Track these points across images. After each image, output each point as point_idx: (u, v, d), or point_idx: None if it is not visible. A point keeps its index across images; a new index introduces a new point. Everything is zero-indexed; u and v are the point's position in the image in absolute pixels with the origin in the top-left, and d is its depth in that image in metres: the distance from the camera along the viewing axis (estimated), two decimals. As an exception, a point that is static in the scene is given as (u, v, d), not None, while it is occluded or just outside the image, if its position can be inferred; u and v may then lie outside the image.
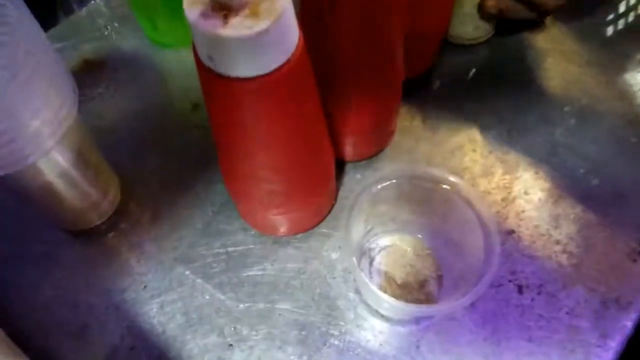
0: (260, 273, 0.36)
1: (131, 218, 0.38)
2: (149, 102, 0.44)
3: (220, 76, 0.22)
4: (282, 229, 0.36)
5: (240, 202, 0.34)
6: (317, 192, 0.34)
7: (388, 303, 0.29)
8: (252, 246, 0.37)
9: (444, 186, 0.31)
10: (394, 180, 0.32)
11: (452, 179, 0.31)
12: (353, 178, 0.40)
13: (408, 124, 0.42)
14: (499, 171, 0.40)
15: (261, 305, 0.35)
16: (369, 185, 0.31)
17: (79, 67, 0.46)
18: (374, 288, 0.29)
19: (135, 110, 0.43)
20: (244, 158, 0.28)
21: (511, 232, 0.37)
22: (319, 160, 0.31)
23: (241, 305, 0.35)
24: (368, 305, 0.35)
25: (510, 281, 0.35)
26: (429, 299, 0.35)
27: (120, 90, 0.44)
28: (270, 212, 0.33)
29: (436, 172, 0.31)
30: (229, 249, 0.37)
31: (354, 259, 0.30)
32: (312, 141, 0.29)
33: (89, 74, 0.45)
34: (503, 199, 0.38)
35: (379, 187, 0.31)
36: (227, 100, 0.24)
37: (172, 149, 0.41)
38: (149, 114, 0.43)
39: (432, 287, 0.35)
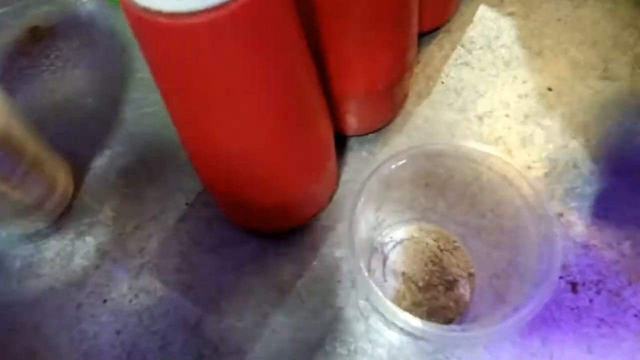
0: (247, 279, 0.29)
1: (87, 216, 0.32)
2: (108, 74, 0.37)
3: (149, 12, 0.14)
4: (272, 224, 0.29)
5: (215, 193, 0.27)
6: (312, 176, 0.27)
7: (406, 323, 0.22)
8: (235, 246, 0.30)
9: (473, 161, 0.26)
10: (410, 158, 0.26)
11: (483, 150, 0.25)
12: (358, 156, 0.33)
13: (424, 87, 0.35)
14: (539, 140, 0.33)
15: (249, 320, 0.28)
16: (379, 165, 0.25)
17: (24, 35, 0.39)
18: (392, 305, 0.22)
19: (92, 83, 0.37)
20: (207, 136, 0.21)
21: (559, 215, 0.30)
22: (312, 133, 0.24)
23: (224, 321, 0.28)
24: (383, 315, 0.28)
25: (561, 277, 0.29)
26: (459, 305, 0.28)
27: (73, 60, 0.38)
28: (254, 203, 0.26)
29: (462, 144, 0.26)
30: (208, 250, 0.30)
31: (361, 263, 0.23)
32: (299, 107, 0.21)
33: (37, 43, 0.38)
34: (547, 174, 0.31)
35: (392, 166, 0.26)
36: (163, 49, 0.16)
37: (134, 130, 0.35)
38: (108, 88, 0.37)
39: (463, 288, 0.28)
